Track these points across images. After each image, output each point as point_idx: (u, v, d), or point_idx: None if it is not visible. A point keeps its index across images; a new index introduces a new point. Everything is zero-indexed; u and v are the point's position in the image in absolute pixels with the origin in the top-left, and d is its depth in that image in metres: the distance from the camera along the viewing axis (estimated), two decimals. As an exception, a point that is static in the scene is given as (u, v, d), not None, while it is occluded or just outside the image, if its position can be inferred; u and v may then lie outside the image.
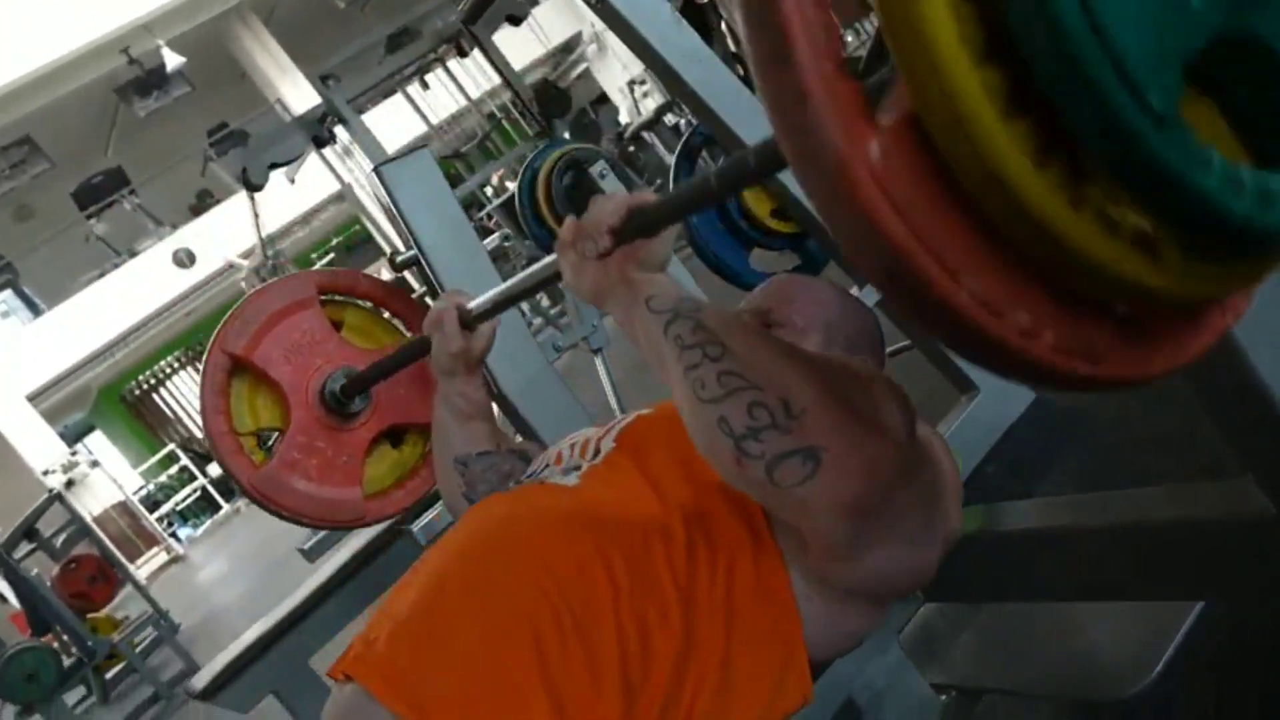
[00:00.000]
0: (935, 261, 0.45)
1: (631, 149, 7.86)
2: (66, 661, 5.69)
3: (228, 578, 9.53)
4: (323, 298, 1.76)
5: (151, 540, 13.92)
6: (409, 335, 1.81)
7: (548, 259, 1.10)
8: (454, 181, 7.20)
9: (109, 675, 6.86)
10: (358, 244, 13.72)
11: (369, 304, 1.82)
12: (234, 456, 1.67)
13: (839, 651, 1.04)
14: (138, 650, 6.29)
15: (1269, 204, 0.45)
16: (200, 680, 3.22)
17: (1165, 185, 0.43)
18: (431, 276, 1.71)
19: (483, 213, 7.58)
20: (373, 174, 1.72)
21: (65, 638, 6.62)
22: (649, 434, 1.13)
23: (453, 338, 1.29)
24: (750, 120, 1.96)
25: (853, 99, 0.47)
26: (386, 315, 1.83)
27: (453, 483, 1.35)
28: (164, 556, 13.49)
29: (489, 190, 8.96)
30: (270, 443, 1.73)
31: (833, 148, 0.46)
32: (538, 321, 6.44)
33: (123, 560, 9.50)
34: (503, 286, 1.21)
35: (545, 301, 6.66)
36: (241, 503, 14.11)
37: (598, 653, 0.95)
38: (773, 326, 1.28)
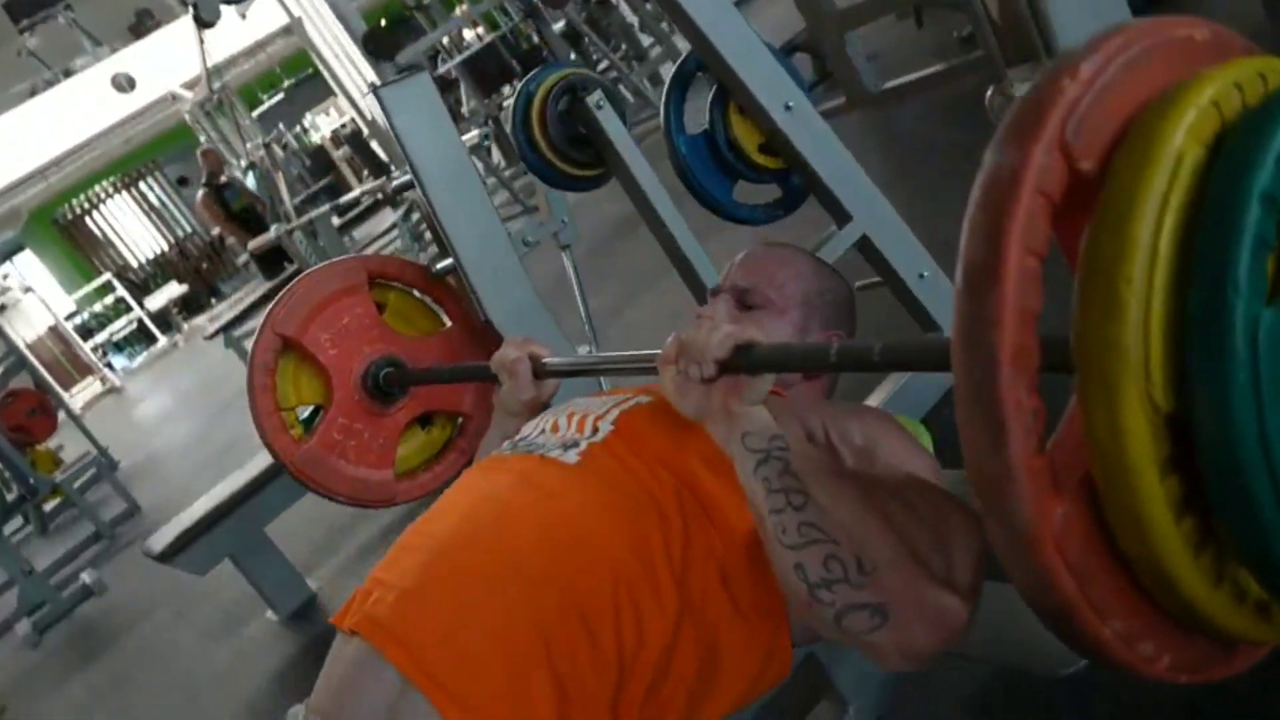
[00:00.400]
0: (1092, 608, 0.57)
1: (596, 15, 7.64)
2: (8, 496, 5.69)
3: (169, 415, 9.51)
4: (372, 285, 1.80)
5: (86, 369, 13.77)
6: (447, 323, 1.86)
7: (646, 354, 1.12)
8: (416, 32, 6.97)
9: (47, 508, 6.90)
10: (305, 81, 13.28)
11: (412, 291, 1.85)
12: (278, 435, 1.71)
13: (818, 638, 1.13)
14: (77, 487, 6.31)
15: None
16: (157, 543, 3.30)
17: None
18: (427, 205, 1.71)
19: (443, 69, 7.37)
20: (370, 93, 1.70)
21: (7, 474, 6.62)
22: (648, 420, 1.18)
23: (525, 388, 1.33)
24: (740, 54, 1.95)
25: (1044, 474, 0.55)
26: (428, 301, 1.87)
27: None
28: (99, 387, 13.37)
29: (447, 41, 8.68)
30: (310, 419, 1.77)
31: (1028, 520, 0.55)
32: (516, 210, 6.36)
33: (59, 390, 9.41)
34: (591, 358, 1.24)
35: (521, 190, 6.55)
36: (180, 338, 13.96)
37: (597, 635, 1.02)
38: (754, 309, 1.33)
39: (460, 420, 1.82)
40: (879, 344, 0.85)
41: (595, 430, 1.19)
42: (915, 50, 5.34)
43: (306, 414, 1.79)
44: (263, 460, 3.26)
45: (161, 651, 3.94)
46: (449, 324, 1.85)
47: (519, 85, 1.97)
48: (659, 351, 1.06)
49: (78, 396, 12.76)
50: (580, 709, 1.01)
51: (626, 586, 1.04)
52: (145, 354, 14.39)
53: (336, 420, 1.71)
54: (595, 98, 1.89)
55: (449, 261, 1.75)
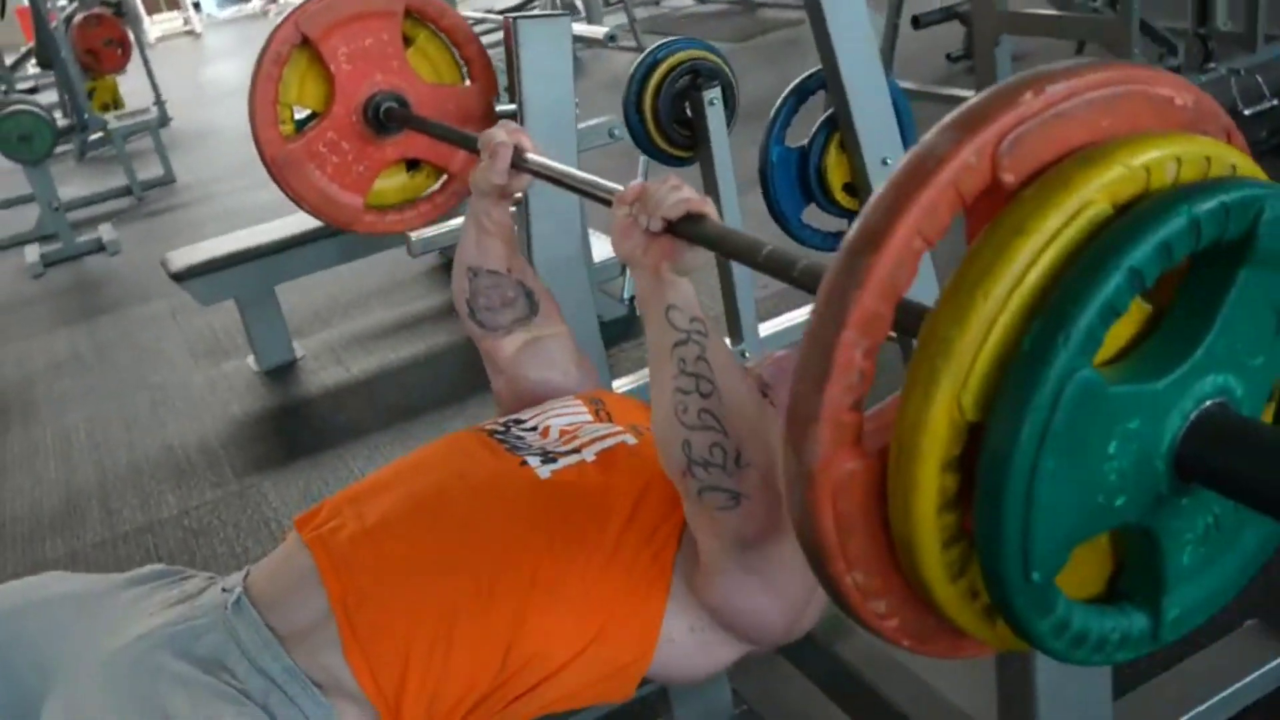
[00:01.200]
0: (843, 556, 0.63)
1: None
2: (60, 122, 5.81)
3: (237, 90, 9.51)
4: (407, 17, 1.78)
5: (174, 2, 13.63)
6: (468, 82, 1.85)
7: (610, 186, 1.17)
8: None
9: (90, 139, 7.02)
10: None
11: (445, 37, 1.83)
12: (268, 127, 1.73)
13: (693, 677, 1.27)
14: (125, 136, 6.40)
15: (1076, 644, 0.64)
16: (175, 261, 3.44)
17: (1014, 622, 0.63)
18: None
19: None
20: (505, 20, 1.73)
21: (65, 97, 6.72)
22: (624, 466, 1.29)
23: (500, 172, 1.38)
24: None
25: (849, 430, 0.61)
26: (457, 54, 1.85)
27: (461, 284, 1.49)
28: (179, 24, 13.28)
29: None
30: (304, 122, 1.80)
31: (818, 461, 0.60)
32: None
33: (142, 13, 9.35)
34: (565, 169, 1.29)
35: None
36: (274, 8, 13.71)
37: (494, 625, 1.17)
38: (765, 396, 1.43)
39: (445, 177, 1.85)
40: (802, 261, 0.89)
41: (578, 450, 1.30)
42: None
43: (301, 116, 1.80)
44: (296, 223, 3.38)
45: (146, 343, 4.14)
46: (468, 84, 1.85)
47: (651, 49, 1.99)
48: (632, 186, 1.10)
49: (156, 27, 12.67)
50: (448, 690, 1.17)
51: (535, 596, 1.17)
52: (236, 8, 14.18)
53: (327, 133, 1.75)
54: (712, 93, 1.92)
55: (511, 107, 1.74)
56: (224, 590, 1.25)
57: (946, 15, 5.50)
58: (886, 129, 2.09)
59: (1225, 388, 0.61)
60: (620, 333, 3.39)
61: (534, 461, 1.28)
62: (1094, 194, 0.57)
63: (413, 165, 1.85)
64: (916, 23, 5.38)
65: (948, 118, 0.59)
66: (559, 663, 1.20)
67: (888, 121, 2.09)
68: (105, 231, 5.47)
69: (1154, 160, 0.59)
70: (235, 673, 1.16)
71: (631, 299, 3.50)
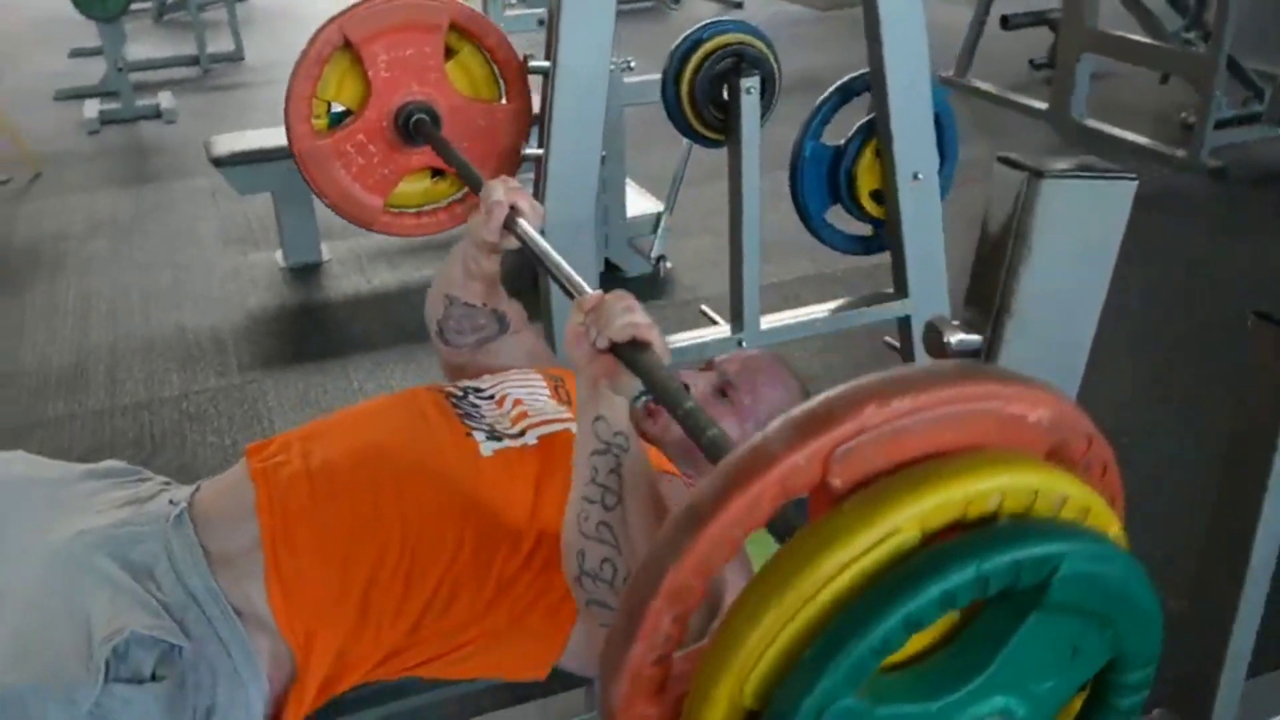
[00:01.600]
0: None
1: None
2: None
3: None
4: (451, 29, 1.80)
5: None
6: (504, 101, 1.87)
7: (579, 282, 1.17)
8: None
9: (168, 1, 7.04)
10: None
11: (488, 55, 1.85)
12: (300, 122, 1.77)
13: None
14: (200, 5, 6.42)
15: None
16: (217, 147, 3.47)
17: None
18: (548, 96, 1.78)
19: None
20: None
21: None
22: (561, 456, 1.31)
23: (492, 230, 1.40)
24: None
25: (651, 683, 0.63)
26: (497, 71, 1.86)
27: (436, 307, 1.55)
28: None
29: None
30: (336, 120, 1.83)
31: (617, 705, 0.64)
32: None
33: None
34: (546, 248, 1.30)
35: None
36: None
37: (412, 593, 1.20)
38: (725, 394, 1.44)
39: (466, 189, 1.85)
40: (712, 429, 0.88)
41: (523, 433, 1.33)
42: (1149, 106, 5.04)
43: (334, 112, 1.82)
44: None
45: (181, 219, 4.20)
46: (504, 102, 1.86)
47: (698, 27, 1.97)
48: (591, 296, 1.10)
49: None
50: (358, 646, 1.20)
51: (457, 571, 1.21)
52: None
53: (358, 134, 1.78)
54: (750, 82, 1.89)
55: (545, 65, 1.77)
56: (171, 502, 1.29)
57: (1036, 20, 5.37)
58: (923, 143, 2.06)
59: (1007, 709, 0.61)
60: (643, 291, 3.38)
61: (479, 436, 1.31)
62: (906, 521, 0.58)
63: (438, 173, 1.87)
64: (1005, 23, 5.25)
65: (791, 415, 0.60)
66: (469, 640, 1.23)
67: (926, 136, 2.06)
68: (165, 99, 5.51)
69: (974, 494, 0.59)
70: (161, 584, 1.20)
71: (660, 259, 3.50)
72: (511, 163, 1.89)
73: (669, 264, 3.49)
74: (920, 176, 2.07)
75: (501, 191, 1.40)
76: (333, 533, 1.22)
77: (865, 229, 2.21)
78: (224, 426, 2.76)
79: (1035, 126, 4.74)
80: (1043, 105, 4.78)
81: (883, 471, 0.59)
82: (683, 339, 2.14)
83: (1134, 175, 0.83)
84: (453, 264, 1.51)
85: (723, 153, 2.03)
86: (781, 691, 0.58)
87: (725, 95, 1.95)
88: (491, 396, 1.41)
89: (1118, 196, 0.83)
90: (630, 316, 1.04)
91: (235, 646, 1.18)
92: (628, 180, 3.54)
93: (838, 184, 2.14)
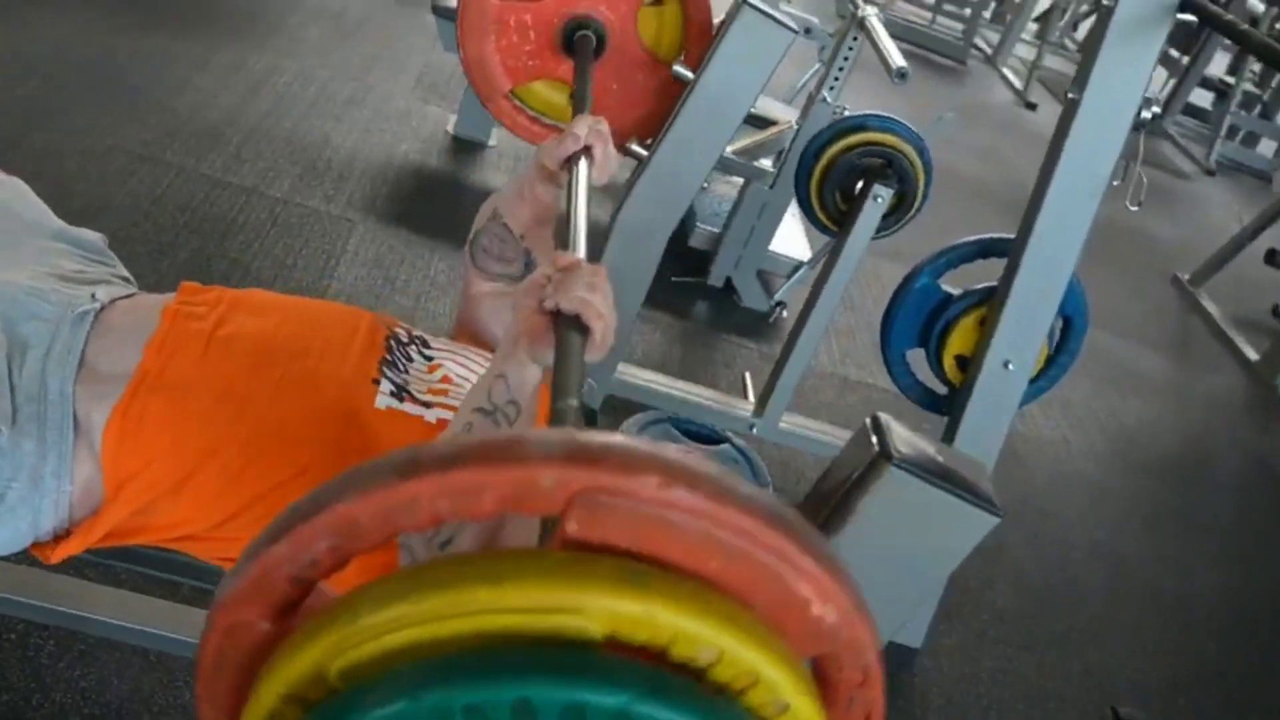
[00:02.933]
0: (204, 683, 0.61)
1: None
2: None
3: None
4: None
5: None
6: (676, 68, 1.79)
7: (579, 251, 1.10)
8: None
9: None
10: None
11: (686, 20, 1.77)
12: None
13: None
14: None
15: None
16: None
17: None
18: (680, 105, 1.70)
19: None
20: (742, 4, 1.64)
21: None
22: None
23: (554, 158, 1.32)
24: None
25: (276, 598, 0.58)
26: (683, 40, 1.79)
27: (482, 219, 1.48)
28: None
29: None
30: None
31: (230, 591, 0.58)
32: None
33: None
34: (581, 203, 1.22)
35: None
36: None
37: (231, 493, 1.18)
38: None
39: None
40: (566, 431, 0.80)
41: (429, 407, 1.28)
42: None
43: None
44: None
45: (394, 44, 4.28)
46: (675, 68, 1.78)
47: (844, 117, 1.86)
48: (570, 257, 1.05)
49: None
50: (160, 512, 1.20)
51: (276, 500, 1.18)
52: None
53: (525, 14, 1.75)
54: (882, 192, 1.78)
55: (688, 74, 1.71)
56: (94, 297, 1.29)
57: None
58: (1030, 337, 1.91)
59: None
60: (746, 323, 3.29)
61: (384, 388, 1.27)
62: (597, 608, 0.50)
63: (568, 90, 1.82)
64: (1270, 258, 4.86)
65: (574, 434, 0.52)
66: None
67: (1036, 330, 1.91)
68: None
69: (691, 632, 0.50)
70: (24, 366, 1.20)
71: (779, 304, 3.39)
72: (640, 130, 1.82)
73: (785, 313, 3.38)
74: (1010, 367, 1.92)
75: (586, 127, 1.33)
76: (194, 401, 1.20)
77: (937, 385, 2.09)
78: (294, 246, 2.81)
79: (1228, 369, 4.38)
80: (1253, 356, 4.42)
81: (619, 549, 0.52)
82: (704, 395, 2.07)
83: (998, 513, 0.71)
84: (511, 184, 1.45)
85: (903, 237, 1.92)
86: (364, 688, 0.51)
87: (856, 190, 1.85)
88: (430, 359, 1.36)
89: (968, 524, 0.72)
90: (589, 294, 0.97)
91: (54, 456, 1.18)
92: (791, 213, 3.41)
93: (931, 331, 2.01)
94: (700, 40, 1.75)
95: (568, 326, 0.97)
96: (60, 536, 1.21)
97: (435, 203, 3.32)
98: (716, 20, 1.75)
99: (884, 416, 0.77)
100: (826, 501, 0.82)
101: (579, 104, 1.57)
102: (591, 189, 1.30)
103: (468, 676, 0.48)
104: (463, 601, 0.50)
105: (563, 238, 1.15)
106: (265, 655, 0.58)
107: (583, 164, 1.30)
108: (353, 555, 0.55)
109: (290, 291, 2.55)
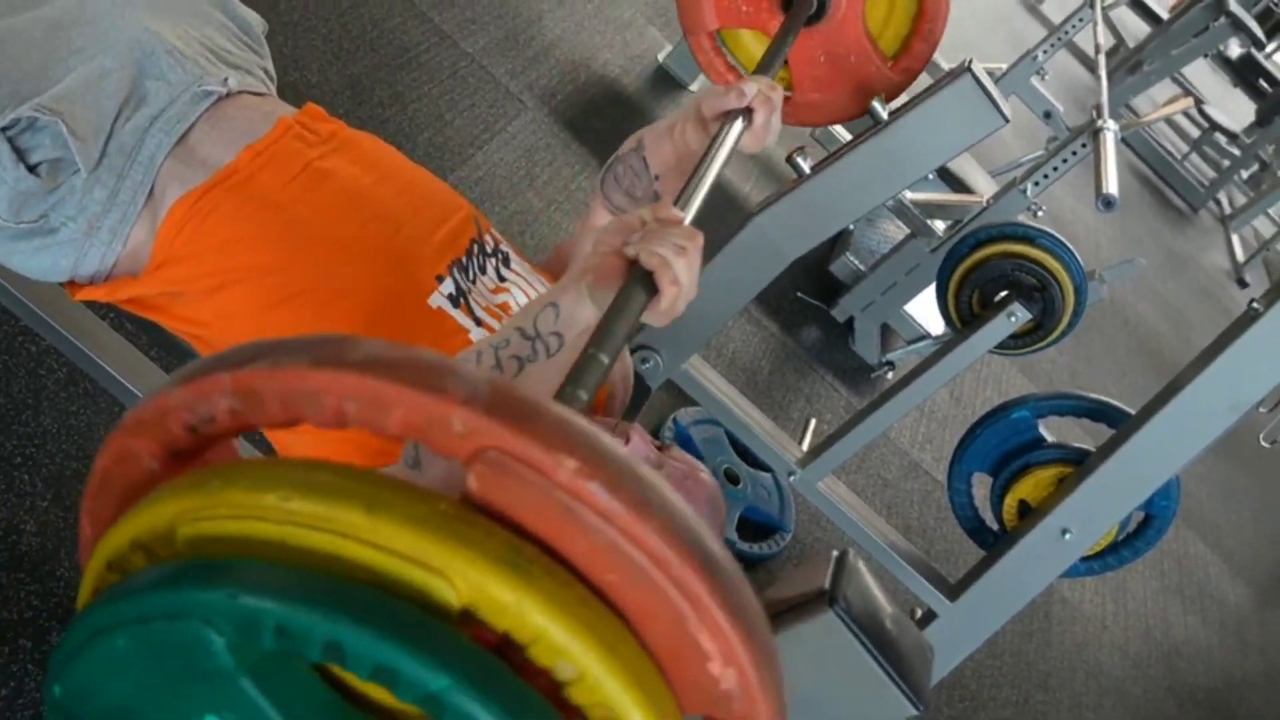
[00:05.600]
0: (89, 497, 0.61)
1: None
2: None
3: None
4: None
5: None
6: (889, 63, 1.72)
7: (688, 212, 1.08)
8: None
9: None
10: None
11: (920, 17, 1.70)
12: None
13: None
14: None
15: None
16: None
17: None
18: (861, 140, 1.64)
19: None
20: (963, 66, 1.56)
21: None
22: None
23: (713, 106, 1.28)
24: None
25: (167, 439, 0.57)
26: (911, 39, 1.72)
27: (628, 144, 1.42)
28: None
29: None
30: None
31: (137, 414, 0.58)
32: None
33: None
34: (718, 164, 1.18)
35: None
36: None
37: (256, 322, 1.19)
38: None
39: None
40: (578, 391, 0.77)
41: (479, 324, 1.25)
42: None
43: None
44: None
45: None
46: (887, 64, 1.70)
47: (1014, 223, 1.77)
48: (673, 211, 1.02)
49: None
50: (199, 306, 1.21)
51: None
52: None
53: None
54: (1019, 312, 1.69)
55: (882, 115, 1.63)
56: (225, 82, 1.30)
57: None
58: (1099, 521, 1.80)
59: None
60: (848, 372, 3.21)
61: (447, 288, 1.25)
62: (465, 578, 0.46)
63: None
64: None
65: (496, 385, 0.49)
66: None
67: (1109, 518, 1.80)
68: None
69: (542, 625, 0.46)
70: (130, 120, 1.23)
71: (889, 364, 3.30)
72: (818, 115, 1.76)
73: (891, 375, 3.29)
74: (1067, 537, 1.82)
75: (756, 88, 1.28)
76: (265, 217, 1.21)
77: (991, 519, 2.00)
78: (459, 104, 2.82)
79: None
80: None
81: (517, 524, 0.48)
82: (758, 422, 2.02)
83: (918, 706, 0.67)
84: (666, 119, 1.40)
85: (1044, 357, 1.84)
86: (197, 565, 0.50)
87: (995, 299, 1.77)
88: (503, 279, 1.35)
89: (882, 701, 0.67)
90: (674, 256, 0.94)
91: (117, 213, 1.21)
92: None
93: (1007, 465, 1.92)
94: (922, 46, 1.67)
95: (638, 280, 0.93)
96: (92, 282, 1.25)
97: (611, 122, 3.30)
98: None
99: (853, 557, 0.73)
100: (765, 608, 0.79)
101: (767, 62, 1.50)
102: (738, 153, 1.26)
103: (292, 597, 0.46)
104: (330, 517, 0.48)
105: (682, 192, 1.12)
106: (142, 493, 0.57)
107: (738, 124, 1.26)
108: (252, 425, 0.54)
109: (435, 149, 2.58)
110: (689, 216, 1.06)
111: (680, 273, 0.93)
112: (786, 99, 1.70)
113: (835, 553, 0.72)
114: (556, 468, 0.47)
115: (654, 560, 0.47)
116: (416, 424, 0.49)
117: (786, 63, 1.70)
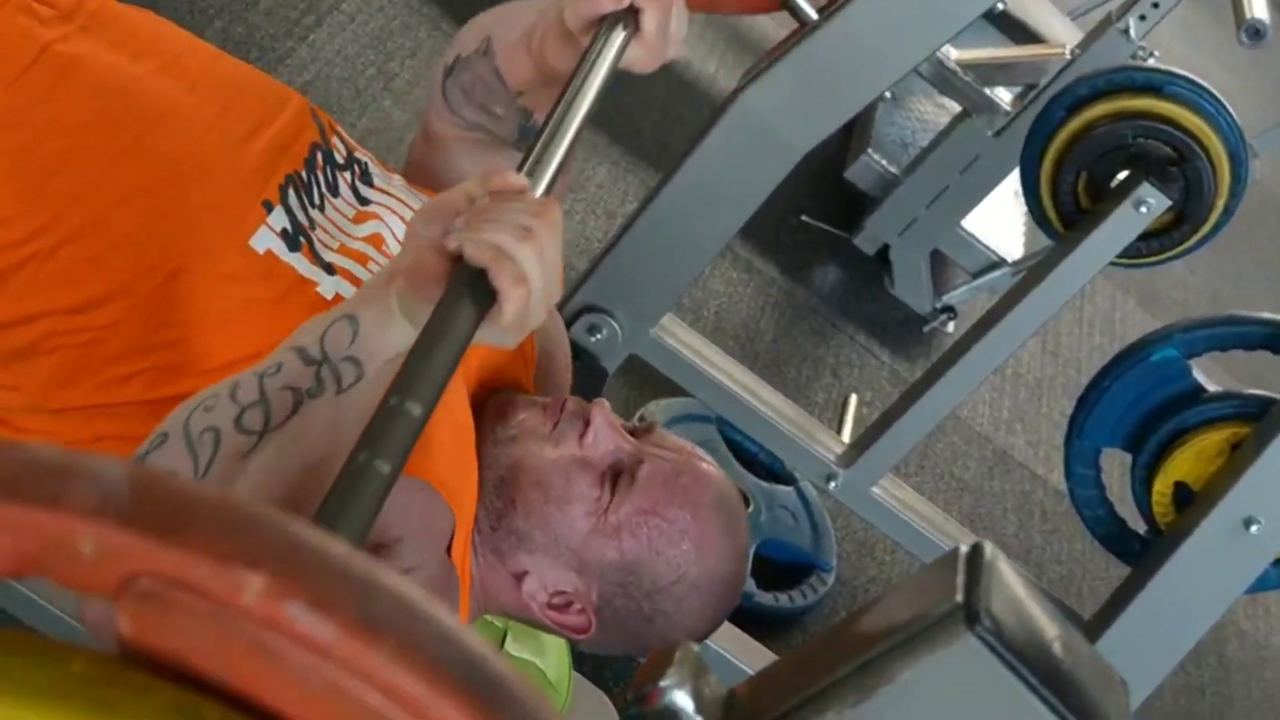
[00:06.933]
0: None
1: None
2: None
3: None
4: None
5: None
6: None
7: (547, 177, 1.12)
8: None
9: None
10: None
11: None
12: None
13: None
14: None
15: None
16: None
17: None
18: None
19: None
20: None
21: None
22: None
23: (578, 16, 1.30)
24: None
25: None
26: None
27: (470, 39, 1.48)
28: None
29: None
30: None
31: None
32: None
33: None
34: (585, 106, 1.21)
35: None
36: None
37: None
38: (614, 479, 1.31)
39: None
40: (374, 460, 0.81)
41: (331, 272, 1.29)
42: None
43: None
44: None
45: None
46: None
47: (1138, 65, 1.79)
48: (512, 177, 1.06)
49: None
50: None
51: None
52: None
53: None
54: (1148, 192, 1.69)
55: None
56: None
57: None
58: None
59: None
60: (892, 328, 3.23)
61: (278, 221, 1.28)
62: None
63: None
64: None
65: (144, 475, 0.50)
66: None
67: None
68: None
69: None
70: None
71: (948, 309, 3.31)
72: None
73: (952, 326, 3.30)
74: (1254, 530, 1.86)
75: None
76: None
77: (1136, 522, 2.04)
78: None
79: None
80: None
81: (197, 672, 0.49)
82: (776, 408, 2.00)
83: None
84: (525, 11, 1.41)
85: (1170, 277, 1.85)
86: None
87: (1113, 183, 1.79)
88: (365, 201, 1.36)
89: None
90: (514, 243, 0.97)
91: None
92: (1011, 187, 3.31)
93: (1151, 432, 1.95)
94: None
95: (464, 284, 0.96)
96: None
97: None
98: None
99: (991, 553, 0.71)
100: (869, 642, 0.78)
101: None
102: (619, 74, 1.27)
103: None
104: None
105: (532, 146, 1.14)
106: None
107: (619, 33, 1.26)
108: None
109: (234, 42, 2.54)
110: (547, 176, 1.10)
111: (527, 266, 0.96)
112: None
113: (964, 548, 0.70)
114: (237, 589, 0.47)
115: (400, 702, 0.48)
116: (28, 553, 0.49)
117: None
